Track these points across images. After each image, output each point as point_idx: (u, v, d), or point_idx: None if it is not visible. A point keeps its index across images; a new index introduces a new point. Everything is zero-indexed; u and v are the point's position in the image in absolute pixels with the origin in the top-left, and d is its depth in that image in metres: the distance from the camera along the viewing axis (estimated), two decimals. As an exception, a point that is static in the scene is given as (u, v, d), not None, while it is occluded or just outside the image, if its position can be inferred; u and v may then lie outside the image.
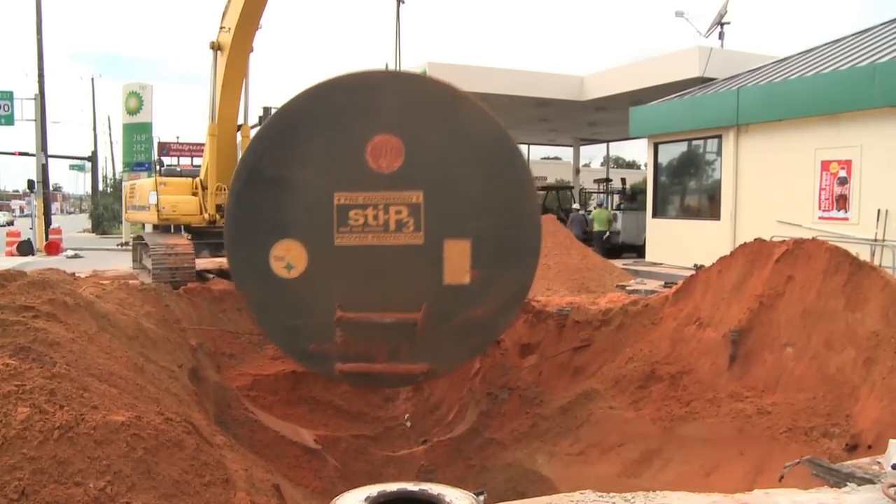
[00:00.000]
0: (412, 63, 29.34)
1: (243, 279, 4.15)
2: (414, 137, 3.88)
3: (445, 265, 3.86)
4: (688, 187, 20.39)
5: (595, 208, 26.48)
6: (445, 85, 3.97)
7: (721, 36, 29.43)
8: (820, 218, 15.00)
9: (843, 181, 14.57)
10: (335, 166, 3.95)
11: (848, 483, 2.98)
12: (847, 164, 14.47)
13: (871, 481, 2.94)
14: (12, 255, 24.78)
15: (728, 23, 29.09)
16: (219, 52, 11.90)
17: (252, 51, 11.80)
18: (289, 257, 4.00)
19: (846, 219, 14.54)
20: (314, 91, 4.09)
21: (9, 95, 29.63)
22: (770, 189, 16.14)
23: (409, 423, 8.17)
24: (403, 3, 7.74)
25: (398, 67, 7.82)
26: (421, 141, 3.88)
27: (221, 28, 11.85)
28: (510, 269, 3.87)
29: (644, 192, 22.96)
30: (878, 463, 3.17)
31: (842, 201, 14.64)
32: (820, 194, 15.03)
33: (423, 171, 3.89)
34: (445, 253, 3.87)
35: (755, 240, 6.18)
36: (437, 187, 3.86)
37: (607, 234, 23.42)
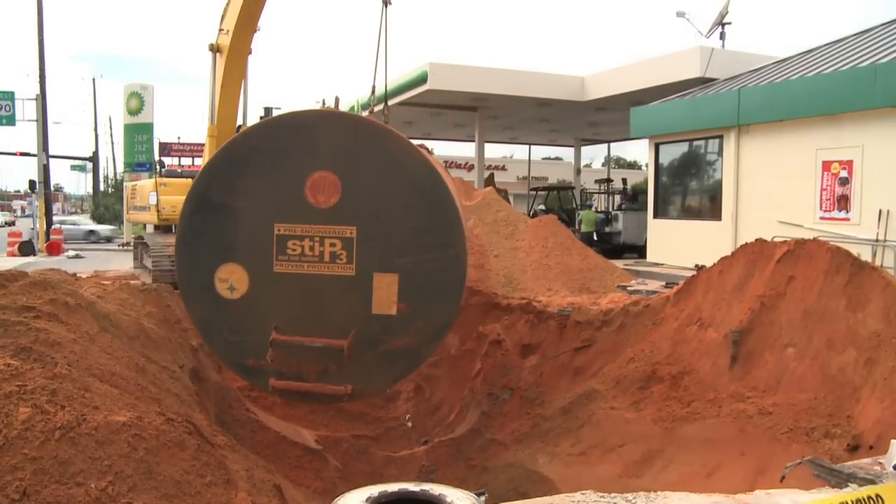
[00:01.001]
0: (413, 64, 29.33)
1: (191, 297, 4.39)
2: (350, 176, 4.10)
3: (374, 296, 4.05)
4: (689, 188, 20.39)
5: (585, 209, 26.54)
6: (380, 126, 4.20)
7: (722, 36, 29.40)
8: (821, 218, 14.99)
9: (845, 181, 14.56)
10: (276, 199, 4.16)
11: (849, 484, 2.98)
12: (848, 165, 14.47)
13: (872, 482, 2.94)
14: (14, 255, 24.81)
15: (729, 23, 29.04)
16: (218, 53, 11.98)
17: (251, 53, 11.88)
18: (232, 279, 4.23)
19: (847, 219, 14.53)
20: (259, 127, 4.41)
21: (10, 96, 29.66)
22: (771, 189, 16.13)
23: (410, 424, 8.17)
24: (390, 4, 7.75)
25: (385, 72, 7.88)
26: (356, 179, 4.09)
27: (220, 30, 11.92)
28: (435, 303, 4.06)
29: (645, 192, 22.96)
30: (880, 463, 3.17)
31: (843, 202, 14.64)
32: (821, 195, 15.02)
33: (358, 208, 4.09)
34: (374, 285, 4.05)
35: (756, 240, 6.17)
36: (370, 223, 4.07)
37: (594, 234, 23.41)
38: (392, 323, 4.07)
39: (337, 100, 4.95)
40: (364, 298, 4.08)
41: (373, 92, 7.55)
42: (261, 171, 4.17)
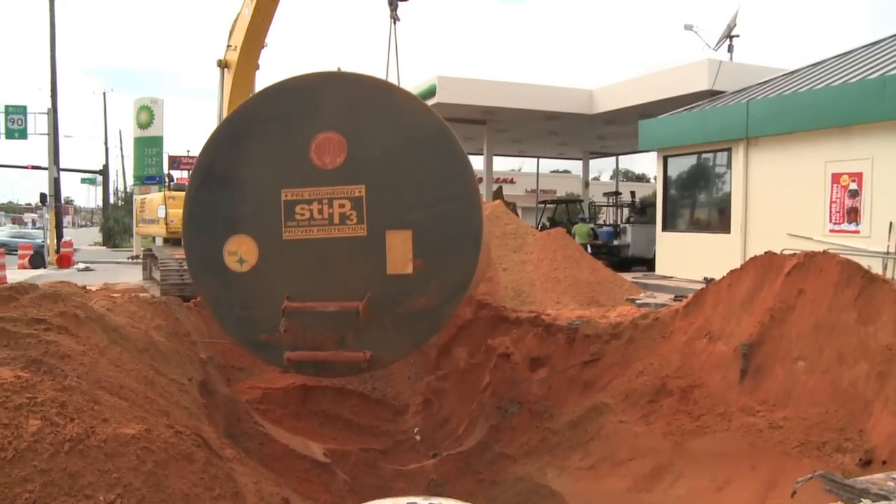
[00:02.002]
0: (422, 77, 29.44)
1: (199, 274, 4.28)
2: (355, 134, 4.02)
3: (388, 256, 3.97)
4: (697, 200, 20.36)
5: (578, 222, 26.60)
6: (382, 81, 4.15)
7: (730, 49, 29.50)
8: (831, 231, 14.95)
9: (854, 194, 14.52)
10: (282, 164, 4.09)
11: (862, 499, 2.96)
12: (858, 177, 14.43)
13: (886, 497, 2.91)
14: (24, 267, 24.94)
15: (737, 36, 29.18)
16: (226, 69, 12.24)
17: (258, 68, 12.09)
18: (241, 252, 4.16)
19: (857, 231, 14.49)
20: (262, 95, 4.30)
21: (22, 110, 29.91)
22: (780, 202, 16.11)
23: (418, 437, 8.15)
24: (399, 20, 7.84)
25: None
26: (362, 137, 4.01)
27: (228, 46, 12.15)
28: (452, 258, 3.94)
29: (653, 205, 22.93)
30: (894, 479, 3.14)
31: (853, 214, 14.59)
32: (831, 207, 14.98)
33: (365, 166, 4.00)
34: (388, 244, 3.97)
35: (765, 253, 6.15)
36: (379, 180, 3.98)
37: (587, 246, 23.40)
38: (409, 282, 3.95)
39: (339, 70, 4.92)
40: (378, 259, 3.98)
41: None
42: (264, 138, 4.13)
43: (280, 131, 4.11)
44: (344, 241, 4.04)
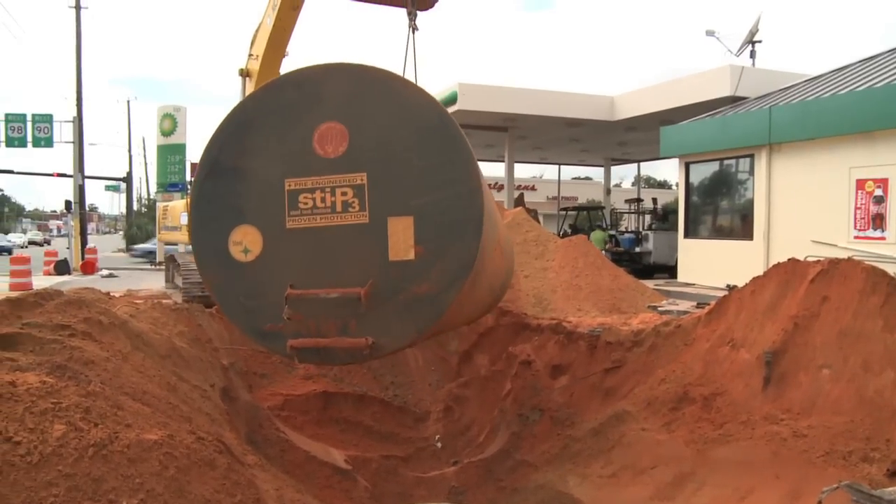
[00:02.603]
0: (443, 84, 29.47)
1: (205, 264, 4.31)
2: (357, 122, 4.05)
3: (390, 242, 3.98)
4: (720, 207, 20.23)
5: (595, 229, 26.50)
6: (381, 70, 4.11)
7: (752, 54, 29.30)
8: (855, 237, 14.79)
9: (880, 200, 14.36)
10: (286, 154, 4.13)
11: (888, 508, 2.92)
12: (883, 183, 14.27)
13: (912, 507, 2.87)
14: (49, 274, 25.24)
15: (759, 41, 28.97)
16: (247, 78, 12.35)
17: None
18: (246, 242, 4.19)
19: (883, 238, 14.32)
20: (266, 87, 4.34)
21: (48, 118, 30.30)
22: (804, 208, 15.96)
23: (439, 444, 8.14)
24: (417, 30, 7.86)
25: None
26: (364, 125, 4.04)
27: (250, 56, 12.30)
28: (453, 243, 3.93)
29: (675, 212, 22.81)
30: (920, 488, 3.10)
31: (878, 220, 14.43)
32: (855, 213, 14.83)
33: (367, 154, 4.03)
34: (390, 230, 3.99)
35: (789, 260, 6.10)
36: (380, 168, 4.00)
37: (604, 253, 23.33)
38: (411, 268, 3.97)
39: None
40: (380, 246, 4.00)
41: None
42: (268, 129, 4.18)
43: (283, 122, 4.17)
44: (346, 229, 4.08)
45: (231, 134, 4.28)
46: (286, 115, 4.17)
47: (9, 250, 41.38)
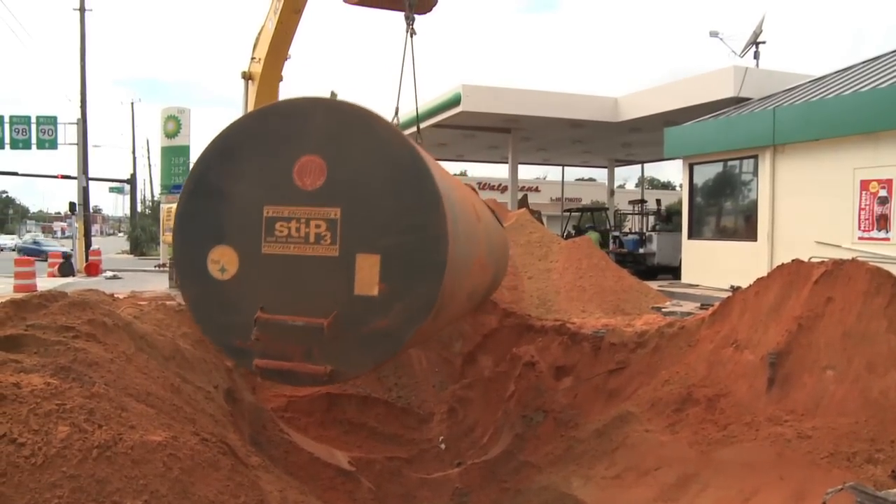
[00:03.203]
0: (447, 86, 29.45)
1: (184, 277, 4.45)
2: (335, 159, 4.17)
3: (357, 277, 4.11)
4: (724, 208, 20.22)
5: (588, 230, 26.53)
6: (366, 111, 4.23)
7: (756, 55, 29.30)
8: (860, 238, 14.78)
9: (884, 201, 14.34)
10: (266, 182, 4.26)
11: (892, 510, 2.92)
12: (888, 184, 14.26)
13: (916, 508, 2.87)
14: (54, 276, 25.31)
15: (763, 42, 28.96)
16: (250, 81, 12.48)
17: (281, 79, 12.33)
18: (223, 261, 4.32)
19: (887, 239, 14.30)
20: (252, 115, 4.56)
21: (53, 120, 30.39)
22: (808, 209, 15.95)
23: (443, 446, 8.14)
24: (415, 34, 7.86)
25: (415, 99, 8.04)
26: (342, 162, 4.16)
27: (252, 58, 12.42)
28: (416, 284, 4.06)
29: (679, 213, 22.81)
30: (924, 489, 3.09)
31: (882, 221, 14.41)
32: (860, 214, 14.81)
33: (343, 190, 4.16)
34: (357, 266, 4.11)
35: (793, 261, 6.09)
36: (353, 205, 4.13)
37: None
38: (373, 304, 4.10)
39: (333, 94, 5.07)
40: (347, 279, 4.13)
41: (395, 113, 7.69)
42: (252, 156, 4.31)
43: (267, 151, 4.30)
44: (317, 260, 4.20)
45: (217, 156, 4.40)
46: (270, 144, 4.29)
47: None
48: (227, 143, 4.41)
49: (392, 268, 4.10)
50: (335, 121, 4.24)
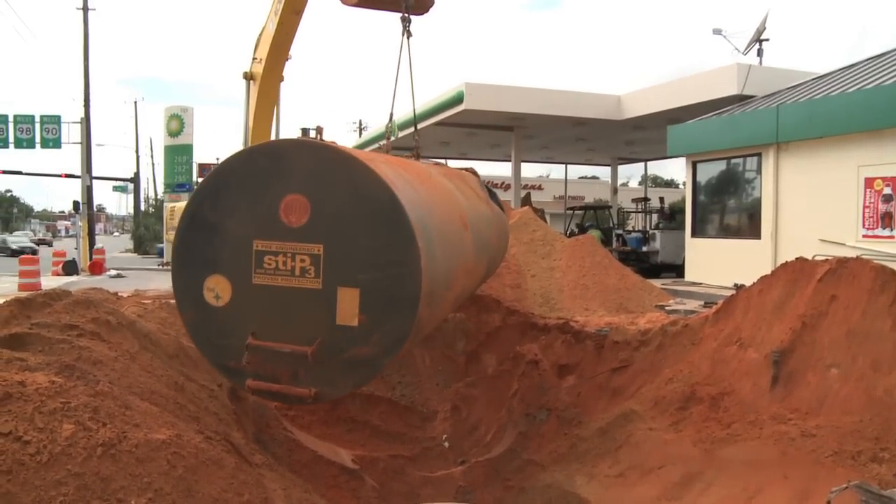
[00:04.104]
0: (449, 84, 29.43)
1: (183, 304, 4.73)
2: (318, 198, 4.44)
3: (338, 308, 4.39)
4: (727, 206, 20.20)
5: (588, 229, 26.57)
6: (346, 152, 4.52)
7: (760, 53, 29.30)
8: (864, 236, 14.75)
9: (889, 198, 14.32)
10: (256, 218, 4.54)
11: (897, 508, 2.91)
12: (892, 181, 14.23)
13: (921, 507, 2.86)
14: (58, 274, 25.36)
15: (767, 39, 28.94)
16: (251, 81, 12.62)
17: (282, 80, 12.46)
18: (217, 289, 4.59)
19: (892, 237, 14.28)
20: (242, 154, 4.78)
21: (56, 119, 30.46)
22: (812, 207, 15.92)
23: (447, 444, 8.14)
24: (411, 36, 7.88)
25: (412, 100, 8.14)
26: (323, 201, 4.43)
27: (254, 59, 12.56)
28: (391, 317, 4.36)
29: (683, 211, 22.78)
30: (929, 488, 3.09)
31: (887, 219, 14.39)
32: (864, 212, 14.78)
33: (325, 227, 4.43)
34: (338, 298, 4.39)
35: (797, 259, 6.08)
36: (335, 241, 4.41)
37: None
38: (354, 333, 4.37)
39: (319, 129, 5.32)
40: (330, 310, 4.40)
41: (390, 119, 7.74)
42: (242, 193, 4.57)
43: (255, 189, 4.55)
44: (302, 292, 4.46)
45: (211, 192, 4.67)
46: (258, 182, 4.55)
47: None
48: (219, 180, 4.67)
49: (371, 300, 4.35)
50: (317, 162, 4.49)
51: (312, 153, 4.56)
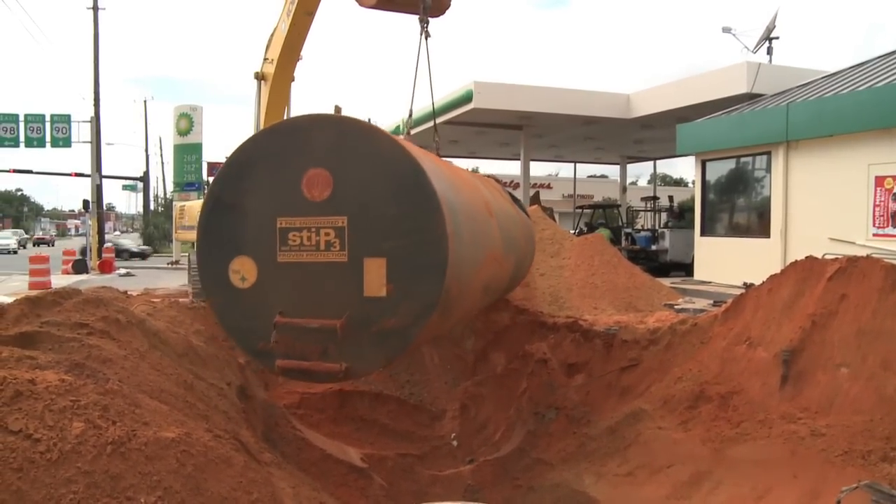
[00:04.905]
0: (458, 83, 29.41)
1: (209, 287, 4.79)
2: (340, 170, 4.45)
3: (365, 280, 4.39)
4: (736, 205, 20.13)
5: (598, 227, 26.57)
6: (366, 124, 4.53)
7: (769, 51, 29.16)
8: (874, 235, 14.67)
9: (899, 197, 14.23)
10: (278, 196, 4.57)
11: (907, 508, 2.90)
12: (903, 180, 14.14)
13: (932, 507, 2.85)
14: (68, 273, 25.48)
15: (777, 38, 28.82)
16: (263, 81, 12.67)
17: (293, 80, 12.48)
18: (243, 271, 4.63)
19: (902, 236, 14.19)
20: (262, 133, 4.87)
21: (66, 118, 30.59)
22: (821, 206, 15.84)
23: (455, 443, 8.14)
24: (430, 37, 7.92)
25: (431, 99, 8.20)
26: (346, 173, 4.44)
27: (265, 59, 12.62)
28: (419, 284, 4.33)
29: (692, 209, 22.71)
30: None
31: (897, 218, 14.30)
32: (874, 210, 14.70)
33: (348, 199, 4.44)
34: (365, 269, 4.39)
35: (806, 257, 6.06)
36: (359, 212, 4.42)
37: None
38: (382, 304, 4.36)
39: (337, 108, 5.34)
40: (357, 282, 4.39)
41: (409, 115, 7.76)
42: (264, 172, 4.60)
43: (277, 167, 4.58)
44: (328, 266, 4.47)
45: (232, 174, 4.71)
46: (280, 159, 4.58)
47: None
48: (240, 161, 4.69)
49: (398, 269, 4.33)
50: (337, 134, 4.49)
51: (332, 126, 4.56)
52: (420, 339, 4.56)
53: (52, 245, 60.27)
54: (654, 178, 48.82)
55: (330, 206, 4.44)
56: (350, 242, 4.41)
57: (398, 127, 24.73)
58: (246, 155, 4.69)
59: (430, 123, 8.68)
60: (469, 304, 5.58)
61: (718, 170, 20.27)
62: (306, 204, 4.48)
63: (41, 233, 77.63)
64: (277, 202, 4.55)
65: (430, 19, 8.06)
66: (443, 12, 8.43)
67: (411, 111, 7.83)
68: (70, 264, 26.42)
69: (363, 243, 4.39)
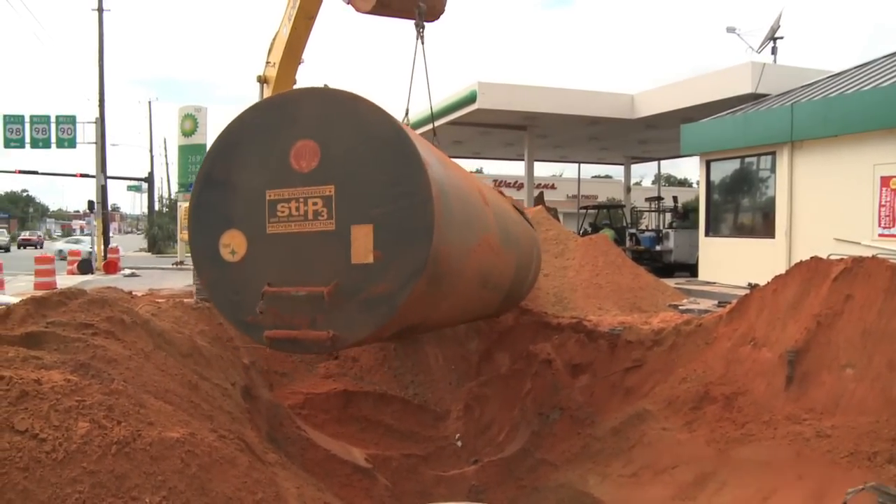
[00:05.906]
0: (462, 83, 29.43)
1: (200, 263, 4.90)
2: (327, 140, 4.53)
3: (352, 247, 4.45)
4: (741, 205, 20.09)
5: (603, 227, 26.60)
6: (349, 94, 4.59)
7: (774, 51, 29.11)
8: (880, 235, 14.63)
9: (904, 197, 14.20)
10: (267, 169, 4.66)
11: (913, 509, 2.89)
12: (908, 180, 14.11)
13: (938, 508, 2.84)
14: (73, 273, 25.55)
15: (781, 38, 28.77)
16: (265, 84, 12.78)
17: (295, 83, 12.61)
18: (233, 244, 4.73)
19: (908, 236, 14.16)
20: (248, 111, 4.89)
21: (72, 119, 30.65)
22: (826, 206, 15.81)
23: (459, 443, 8.14)
24: (424, 42, 8.01)
25: (429, 100, 8.25)
26: (332, 143, 4.51)
27: (267, 63, 12.76)
28: (405, 249, 4.39)
29: (696, 210, 22.68)
30: (946, 489, 3.06)
31: (903, 218, 14.27)
32: (879, 211, 14.67)
33: (335, 168, 4.51)
34: (352, 236, 4.46)
35: (811, 258, 6.04)
36: (346, 181, 4.48)
37: None
38: (370, 271, 4.43)
39: (326, 86, 5.40)
40: (344, 250, 4.47)
41: (406, 114, 7.81)
42: (252, 146, 4.70)
43: (265, 140, 4.68)
44: (316, 235, 4.55)
45: (221, 151, 4.82)
46: (267, 134, 4.67)
47: None
48: (230, 137, 4.79)
49: (385, 235, 4.40)
50: (323, 105, 4.58)
51: (317, 97, 4.65)
52: (407, 309, 4.57)
53: (40, 247, 59.72)
54: (659, 179, 48.80)
55: (318, 176, 4.51)
56: (337, 211, 4.47)
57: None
58: (234, 132, 4.79)
59: (430, 126, 8.74)
60: (464, 290, 5.62)
61: (723, 170, 20.24)
62: (295, 175, 4.55)
63: (27, 233, 76.04)
64: (266, 176, 4.62)
65: (426, 24, 8.14)
66: (437, 17, 8.55)
67: (407, 110, 7.88)
68: (76, 265, 26.51)
69: (350, 211, 4.45)
